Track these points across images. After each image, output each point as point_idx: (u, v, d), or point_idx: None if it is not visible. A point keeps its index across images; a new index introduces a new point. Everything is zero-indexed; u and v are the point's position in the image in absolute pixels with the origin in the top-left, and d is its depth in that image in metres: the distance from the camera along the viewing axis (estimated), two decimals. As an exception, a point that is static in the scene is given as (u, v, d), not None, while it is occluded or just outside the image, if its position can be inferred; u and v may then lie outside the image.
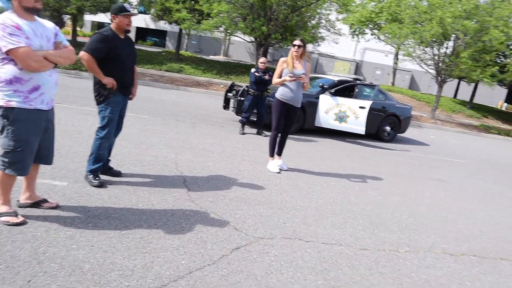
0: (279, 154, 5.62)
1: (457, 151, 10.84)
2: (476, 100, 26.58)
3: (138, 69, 16.76)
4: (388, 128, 9.99)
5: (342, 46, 28.65)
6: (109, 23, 4.00)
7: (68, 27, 30.41)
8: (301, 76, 5.15)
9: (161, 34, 37.95)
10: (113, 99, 3.88)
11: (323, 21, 19.52)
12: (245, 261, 2.89)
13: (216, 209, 3.75)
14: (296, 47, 5.19)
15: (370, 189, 5.35)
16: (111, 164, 4.27)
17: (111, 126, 3.96)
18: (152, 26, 36.11)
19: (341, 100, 8.70)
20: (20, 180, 3.14)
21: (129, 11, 3.86)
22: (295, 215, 3.96)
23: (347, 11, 20.99)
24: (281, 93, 5.33)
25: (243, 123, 7.89)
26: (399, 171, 6.87)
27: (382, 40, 23.31)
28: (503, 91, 34.78)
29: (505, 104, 36.76)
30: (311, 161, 6.47)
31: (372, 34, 25.18)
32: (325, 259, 3.13)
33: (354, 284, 2.84)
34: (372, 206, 4.64)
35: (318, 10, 18.84)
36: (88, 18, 30.16)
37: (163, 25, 28.89)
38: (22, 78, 2.74)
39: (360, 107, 8.69)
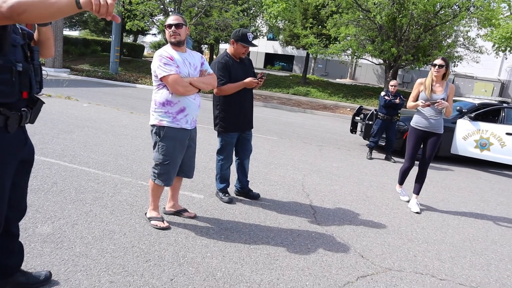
0: (417, 192, 4.85)
1: None
2: None
3: (267, 92, 17.65)
4: (544, 159, 8.60)
5: (484, 65, 25.84)
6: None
7: (206, 55, 33.73)
8: (438, 101, 4.48)
9: (288, 59, 39.38)
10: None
11: (461, 38, 17.95)
12: (372, 291, 2.76)
13: (342, 234, 3.68)
14: (437, 67, 4.50)
15: (520, 228, 4.66)
16: (250, 186, 4.43)
17: (229, 149, 4.07)
18: (280, 51, 37.75)
19: (483, 125, 7.83)
20: (167, 190, 3.57)
21: (249, 44, 3.84)
22: (427, 249, 3.66)
23: (490, 26, 18.84)
24: (415, 121, 4.72)
25: (371, 148, 7.64)
26: (559, 210, 5.83)
27: (535, 57, 20.40)
28: None
29: None
30: (446, 191, 5.92)
31: (522, 51, 22.21)
32: (463, 302, 2.81)
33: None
34: (523, 248, 4.02)
35: (455, 28, 17.39)
36: (223, 46, 32.98)
37: (290, 50, 30.01)
38: (172, 101, 3.15)
39: (508, 134, 7.70)
